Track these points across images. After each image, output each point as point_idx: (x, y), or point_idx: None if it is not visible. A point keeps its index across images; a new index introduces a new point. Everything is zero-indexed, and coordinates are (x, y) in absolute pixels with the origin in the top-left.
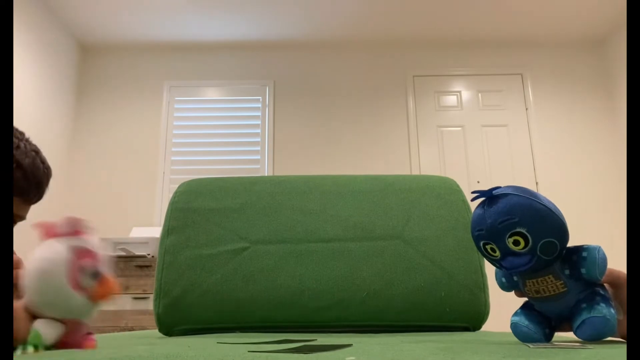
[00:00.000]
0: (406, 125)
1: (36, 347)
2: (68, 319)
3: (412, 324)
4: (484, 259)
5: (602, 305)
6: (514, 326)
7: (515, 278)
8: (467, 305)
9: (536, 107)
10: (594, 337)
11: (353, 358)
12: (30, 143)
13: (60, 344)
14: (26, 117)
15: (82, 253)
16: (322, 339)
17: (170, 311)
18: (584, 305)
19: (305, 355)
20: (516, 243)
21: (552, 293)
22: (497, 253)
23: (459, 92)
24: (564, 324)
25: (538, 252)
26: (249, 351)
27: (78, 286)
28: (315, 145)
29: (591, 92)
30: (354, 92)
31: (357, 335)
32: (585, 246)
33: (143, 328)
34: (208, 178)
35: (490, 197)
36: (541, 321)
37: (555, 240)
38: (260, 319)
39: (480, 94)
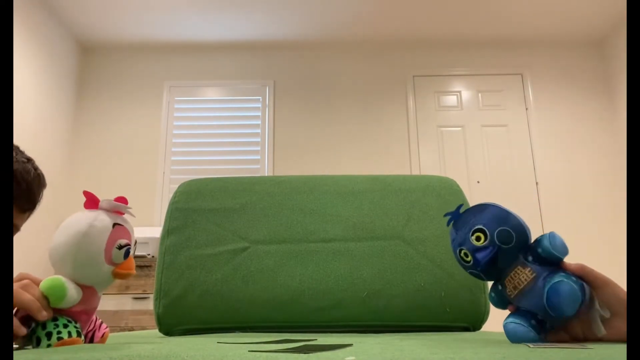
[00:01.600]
0: (406, 125)
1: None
2: (86, 286)
3: (412, 324)
4: None
5: (563, 275)
6: (505, 326)
7: (499, 287)
8: (467, 305)
9: (536, 107)
10: (559, 303)
11: (353, 358)
12: (21, 152)
13: (74, 312)
14: (26, 117)
15: (121, 231)
16: (322, 339)
17: (170, 311)
18: (548, 279)
19: (305, 355)
20: (478, 239)
21: (526, 281)
22: (470, 257)
23: (459, 92)
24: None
25: (496, 241)
26: (249, 351)
27: (109, 258)
28: (315, 145)
29: (591, 92)
30: (354, 92)
31: (357, 335)
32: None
33: (143, 328)
34: (208, 178)
35: (458, 216)
36: (526, 315)
37: (509, 229)
38: (260, 319)
39: (480, 94)
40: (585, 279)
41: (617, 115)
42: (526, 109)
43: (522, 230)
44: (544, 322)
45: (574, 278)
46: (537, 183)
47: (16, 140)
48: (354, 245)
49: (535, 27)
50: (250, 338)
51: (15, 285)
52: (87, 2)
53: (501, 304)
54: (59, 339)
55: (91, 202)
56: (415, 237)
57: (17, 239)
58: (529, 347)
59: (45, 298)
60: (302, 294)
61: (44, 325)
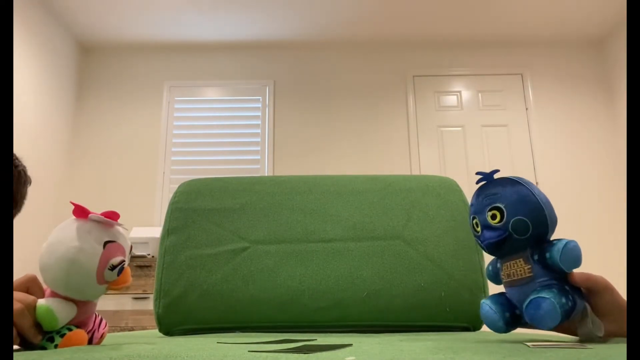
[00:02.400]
0: (406, 125)
1: (49, 328)
2: (81, 300)
3: (412, 324)
4: (484, 259)
5: (554, 291)
6: (482, 304)
7: (498, 264)
8: (467, 305)
9: (536, 107)
10: (535, 317)
11: (353, 358)
12: None
13: (71, 323)
14: (26, 117)
15: (113, 248)
16: (322, 339)
17: (170, 311)
18: (538, 288)
19: (305, 355)
20: (493, 217)
21: (520, 277)
22: (479, 229)
23: (459, 92)
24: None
25: (510, 229)
26: (249, 351)
27: (102, 279)
28: (315, 145)
29: (591, 92)
30: (354, 92)
31: (357, 335)
32: (562, 239)
33: (143, 328)
34: (208, 178)
35: (490, 180)
36: (504, 304)
37: (527, 220)
38: (260, 319)
39: (480, 94)
40: (586, 287)
41: (617, 115)
42: (526, 109)
43: (541, 225)
44: (520, 318)
45: (566, 297)
46: (537, 183)
47: (16, 141)
48: (354, 245)
49: (535, 27)
50: (250, 338)
51: (21, 308)
52: (87, 2)
53: (496, 279)
54: (62, 335)
55: (80, 212)
56: (415, 237)
57: (16, 239)
58: (529, 347)
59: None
60: (302, 294)
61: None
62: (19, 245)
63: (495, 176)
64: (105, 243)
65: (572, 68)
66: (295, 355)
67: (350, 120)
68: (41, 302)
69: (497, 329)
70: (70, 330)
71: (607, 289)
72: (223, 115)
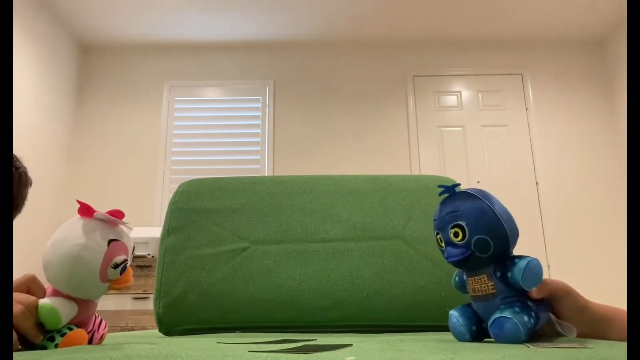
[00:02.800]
0: (406, 125)
1: (51, 327)
2: (82, 299)
3: (413, 324)
4: None
5: (516, 309)
6: (449, 317)
7: (464, 277)
8: None
9: (536, 107)
10: (499, 337)
11: (353, 358)
12: None
13: (72, 322)
14: (26, 117)
15: (117, 247)
16: (322, 339)
17: (170, 311)
18: (502, 306)
19: (305, 355)
20: (456, 235)
21: (483, 293)
22: (443, 244)
23: (459, 92)
24: None
25: (472, 247)
26: (249, 351)
27: (105, 277)
28: (315, 145)
29: (591, 92)
30: (354, 92)
31: (358, 335)
32: (522, 255)
33: (143, 328)
34: (208, 178)
35: (452, 193)
36: (471, 318)
37: (489, 239)
38: (260, 319)
39: (480, 94)
40: (548, 295)
41: (617, 115)
42: (526, 109)
43: (502, 241)
44: (486, 331)
45: (528, 315)
46: (537, 183)
47: (16, 141)
48: (354, 245)
49: (535, 27)
50: (251, 338)
51: (22, 309)
52: (87, 2)
53: (462, 289)
54: (63, 334)
55: (86, 210)
56: (415, 237)
57: (16, 239)
58: (529, 347)
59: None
60: (302, 294)
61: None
62: (19, 245)
63: (458, 189)
64: (110, 241)
65: (572, 68)
66: (295, 355)
67: (350, 120)
68: (43, 301)
69: (462, 340)
70: (71, 329)
71: (568, 294)
72: (223, 115)
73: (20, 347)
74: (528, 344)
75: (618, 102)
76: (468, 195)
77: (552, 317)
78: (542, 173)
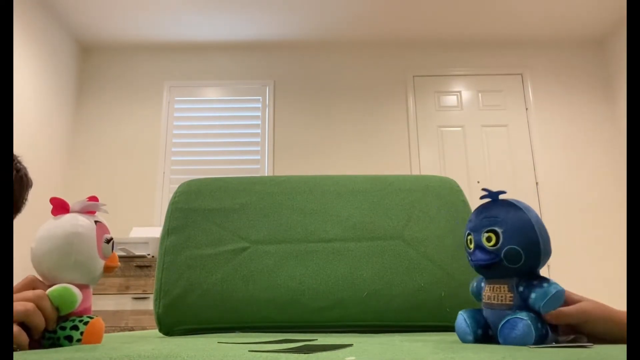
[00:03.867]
0: (406, 125)
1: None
2: (82, 285)
3: (413, 324)
4: None
5: (532, 314)
6: (458, 314)
7: (482, 284)
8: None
9: (536, 107)
10: (509, 337)
11: (353, 358)
12: None
13: (75, 313)
14: (26, 117)
15: (102, 227)
16: (322, 339)
17: (170, 311)
18: (516, 311)
19: (306, 355)
20: (489, 239)
21: (500, 302)
22: (472, 246)
23: (459, 92)
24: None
25: (502, 255)
26: (249, 351)
27: (101, 253)
28: (315, 145)
29: (591, 92)
30: (354, 92)
31: (358, 335)
32: (550, 280)
33: (143, 328)
34: (208, 178)
35: (494, 199)
36: (480, 322)
37: (521, 251)
38: (260, 319)
39: (480, 94)
40: (573, 322)
41: (617, 115)
42: (526, 109)
43: (534, 258)
44: (491, 339)
45: (542, 323)
46: (537, 183)
47: (16, 141)
48: (354, 245)
49: (535, 27)
50: (251, 338)
51: (32, 305)
52: (87, 2)
53: (479, 297)
54: (86, 323)
55: (60, 207)
56: (415, 237)
57: (16, 239)
58: (530, 347)
59: (55, 309)
60: (302, 294)
61: (53, 331)
62: (19, 245)
63: (501, 197)
64: (95, 222)
65: (572, 68)
66: (296, 355)
67: (350, 120)
68: (53, 287)
69: (464, 341)
70: (91, 318)
71: (601, 318)
72: (223, 115)
73: (33, 343)
74: (529, 345)
75: (618, 102)
76: (511, 204)
77: (560, 339)
78: (542, 173)
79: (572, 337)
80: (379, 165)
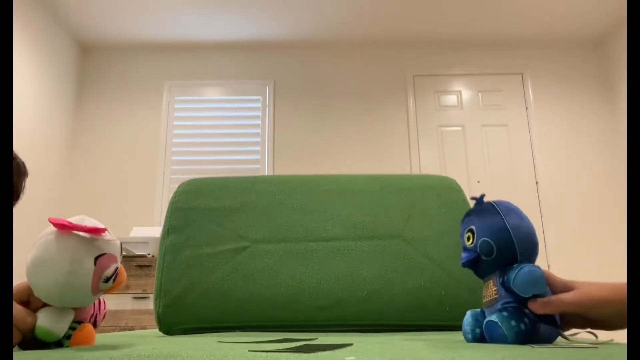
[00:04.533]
0: (406, 125)
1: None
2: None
3: (413, 323)
4: None
5: (504, 314)
6: (467, 312)
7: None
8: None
9: (536, 106)
10: (490, 340)
11: (353, 357)
12: None
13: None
14: (26, 117)
15: (105, 260)
16: (322, 338)
17: (170, 310)
18: (496, 311)
19: (306, 354)
20: (468, 238)
21: (489, 298)
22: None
23: (459, 91)
24: None
25: (478, 250)
26: (249, 350)
27: (97, 290)
28: (315, 145)
29: (591, 92)
30: (354, 92)
31: (358, 335)
32: (528, 264)
33: (143, 328)
34: (208, 177)
35: (479, 202)
36: (480, 320)
37: (492, 242)
38: (260, 318)
39: (480, 94)
40: (576, 306)
41: (617, 115)
42: (526, 108)
43: (507, 249)
44: None
45: (517, 320)
46: (537, 183)
47: (16, 140)
48: (354, 244)
49: (535, 27)
50: (251, 337)
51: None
52: (87, 2)
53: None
54: (69, 337)
55: (62, 227)
56: (415, 237)
57: (16, 239)
58: (533, 347)
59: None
60: (303, 293)
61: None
62: (19, 245)
63: (486, 199)
64: (96, 258)
65: (572, 68)
66: (296, 354)
67: (350, 119)
68: (39, 323)
69: (465, 339)
70: (73, 329)
71: (594, 301)
72: (223, 115)
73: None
74: (533, 345)
75: (618, 102)
76: (489, 205)
77: (562, 333)
78: (542, 173)
79: (576, 333)
80: (379, 165)
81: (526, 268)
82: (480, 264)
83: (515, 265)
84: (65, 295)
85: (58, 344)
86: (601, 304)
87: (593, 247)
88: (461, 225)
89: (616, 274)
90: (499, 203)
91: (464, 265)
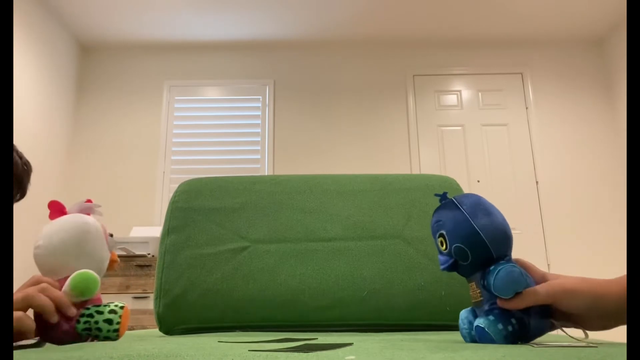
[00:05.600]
0: (406, 124)
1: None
2: None
3: (413, 323)
4: None
5: (491, 317)
6: (461, 312)
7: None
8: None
9: (536, 106)
10: (480, 342)
11: (353, 357)
12: None
13: (94, 300)
14: (26, 116)
15: (102, 225)
16: (322, 338)
17: (170, 310)
18: (483, 314)
19: (306, 354)
20: (441, 244)
21: (475, 299)
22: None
23: (459, 91)
24: None
25: (454, 255)
26: (249, 350)
27: (107, 243)
28: (316, 145)
29: (591, 91)
30: (354, 92)
31: (358, 335)
32: (501, 262)
33: (143, 327)
34: (208, 177)
35: (443, 201)
36: (472, 322)
37: (465, 248)
38: (260, 318)
39: (480, 93)
40: (549, 298)
41: (617, 114)
42: (526, 108)
43: (481, 249)
44: None
45: (504, 323)
46: (537, 183)
47: (16, 140)
48: (354, 244)
49: (535, 27)
50: (251, 337)
51: (33, 289)
52: (87, 2)
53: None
54: (122, 307)
55: (59, 211)
56: (415, 236)
57: (16, 239)
58: (534, 346)
59: (69, 294)
60: (303, 293)
61: (90, 315)
62: (19, 245)
63: (450, 196)
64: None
65: (572, 67)
66: (296, 354)
67: (350, 119)
68: (76, 272)
69: (463, 338)
70: (106, 306)
71: (566, 292)
72: (223, 115)
73: (38, 337)
74: (533, 344)
75: (618, 102)
76: (452, 204)
77: (555, 323)
78: (542, 172)
79: (571, 326)
80: (379, 165)
81: (502, 271)
82: (459, 267)
83: (492, 268)
84: (91, 241)
85: (106, 321)
86: (572, 295)
87: (593, 246)
88: (431, 226)
89: (616, 274)
90: (462, 202)
91: (445, 270)
